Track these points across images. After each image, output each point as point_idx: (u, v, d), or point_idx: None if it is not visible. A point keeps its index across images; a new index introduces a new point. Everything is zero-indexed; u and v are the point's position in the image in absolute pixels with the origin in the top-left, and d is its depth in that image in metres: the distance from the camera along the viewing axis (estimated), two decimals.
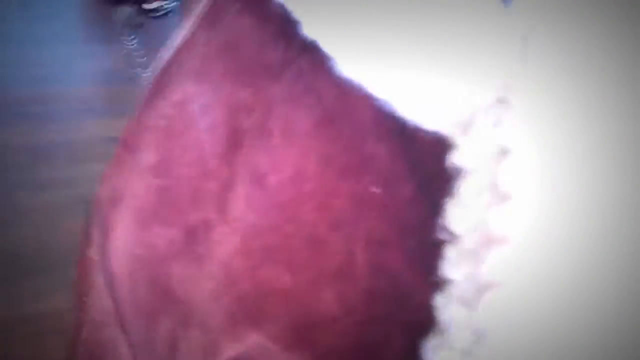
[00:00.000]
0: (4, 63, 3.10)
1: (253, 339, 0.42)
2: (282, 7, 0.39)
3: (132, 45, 0.58)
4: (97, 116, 2.59)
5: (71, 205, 2.12)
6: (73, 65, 3.28)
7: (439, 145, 0.36)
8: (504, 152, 0.32)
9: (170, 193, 0.46)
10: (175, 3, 0.57)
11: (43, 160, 2.46)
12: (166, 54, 0.47)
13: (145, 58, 0.57)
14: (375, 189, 0.41)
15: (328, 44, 0.38)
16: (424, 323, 0.36)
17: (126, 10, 0.56)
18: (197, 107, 0.44)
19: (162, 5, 0.56)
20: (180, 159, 0.45)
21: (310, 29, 0.38)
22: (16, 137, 2.57)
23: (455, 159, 0.35)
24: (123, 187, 0.46)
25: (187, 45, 0.46)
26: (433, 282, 0.36)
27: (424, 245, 0.37)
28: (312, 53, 0.39)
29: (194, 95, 0.45)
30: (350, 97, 0.39)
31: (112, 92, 2.47)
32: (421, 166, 0.38)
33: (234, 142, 0.43)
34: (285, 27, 0.39)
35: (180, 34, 0.46)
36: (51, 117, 2.71)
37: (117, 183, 0.47)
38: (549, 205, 0.31)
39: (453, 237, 0.35)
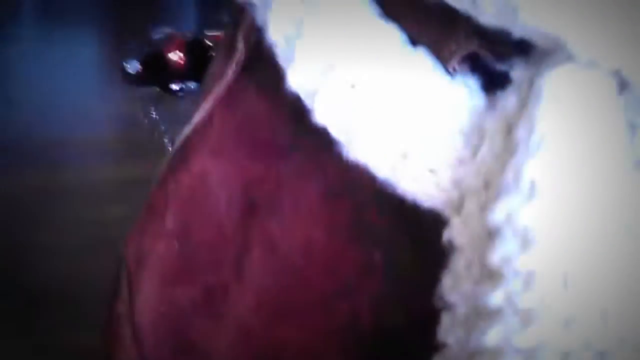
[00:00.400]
0: (23, 106, 3.17)
1: None
2: (295, 94, 0.43)
3: (155, 116, 0.62)
4: (114, 159, 2.64)
5: (90, 246, 2.17)
6: (91, 109, 3.35)
7: (435, 221, 0.40)
8: (490, 234, 0.36)
9: (191, 255, 0.50)
10: (196, 84, 0.61)
11: (62, 202, 2.51)
12: (187, 129, 0.51)
13: (166, 128, 0.61)
14: (377, 256, 0.45)
15: (336, 131, 0.42)
16: None
17: (152, 90, 0.61)
18: (216, 179, 0.49)
19: (184, 86, 0.61)
20: (200, 225, 0.49)
21: (320, 117, 0.42)
22: (35, 179, 2.63)
23: (448, 234, 0.39)
24: (148, 249, 0.51)
25: (206, 123, 0.50)
26: (431, 345, 0.40)
27: (423, 310, 0.41)
28: (321, 135, 0.43)
29: (212, 169, 0.49)
30: (355, 174, 0.43)
31: (130, 136, 2.52)
32: (419, 238, 0.42)
33: (249, 211, 0.48)
34: (297, 111, 0.44)
35: (200, 112, 0.50)
36: (70, 160, 2.76)
37: (142, 244, 0.51)
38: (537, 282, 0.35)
39: (447, 305, 0.38)
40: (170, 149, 0.57)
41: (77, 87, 3.80)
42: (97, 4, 4.61)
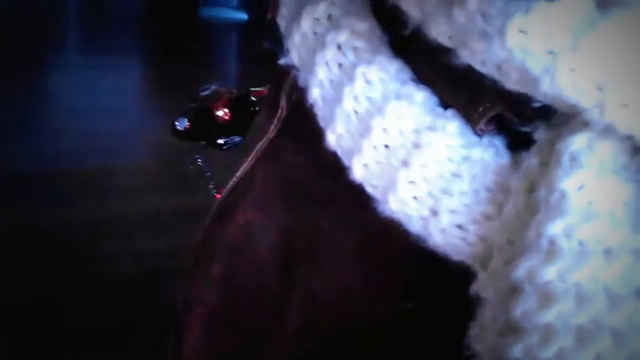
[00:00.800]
0: (70, 136, 3.25)
1: None
2: (333, 152, 0.47)
3: (202, 164, 0.66)
4: (160, 189, 2.69)
5: (138, 277, 2.20)
6: (136, 139, 3.42)
7: (464, 274, 0.43)
8: (513, 289, 0.39)
9: (235, 303, 0.53)
10: (239, 138, 0.64)
11: (106, 233, 2.56)
12: (232, 181, 0.54)
13: (211, 175, 0.65)
14: (410, 305, 0.47)
15: (371, 187, 0.45)
16: None
17: (200, 144, 0.64)
18: (258, 230, 0.52)
19: (230, 140, 0.64)
20: (244, 274, 0.52)
21: (357, 174, 0.45)
22: (83, 210, 2.69)
23: (476, 287, 0.42)
24: (195, 297, 0.54)
25: (250, 176, 0.54)
26: None
27: (452, 356, 0.43)
28: (357, 191, 0.46)
29: (255, 220, 0.52)
30: (388, 228, 0.46)
31: (174, 166, 2.55)
32: (449, 289, 0.45)
33: (289, 261, 0.51)
34: (335, 168, 0.47)
35: (244, 165, 0.54)
36: (116, 189, 2.82)
37: (190, 293, 0.54)
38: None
39: (474, 355, 0.41)
40: (214, 195, 0.60)
41: (120, 116, 3.88)
42: (140, 36, 4.71)
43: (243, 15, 4.89)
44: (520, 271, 0.39)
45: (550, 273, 0.38)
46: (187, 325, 0.53)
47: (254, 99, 0.57)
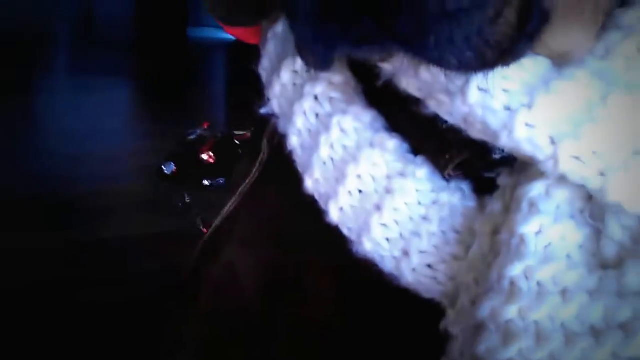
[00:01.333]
0: (58, 159, 3.26)
1: None
2: (311, 195, 0.50)
3: (188, 200, 0.69)
4: (149, 212, 2.70)
5: (127, 300, 2.21)
6: (125, 161, 3.44)
7: (434, 311, 0.46)
8: (478, 327, 0.42)
9: (222, 334, 0.56)
10: (224, 179, 0.67)
11: (98, 256, 2.56)
12: (217, 220, 0.57)
13: (198, 211, 0.68)
14: (387, 341, 0.50)
15: (346, 230, 0.48)
16: None
17: (189, 187, 0.67)
18: (242, 268, 0.55)
19: (214, 182, 0.67)
20: (229, 312, 0.55)
21: (333, 218, 0.48)
22: (71, 232, 2.69)
23: (445, 324, 0.45)
24: (184, 332, 0.57)
25: (234, 216, 0.57)
26: None
27: None
28: (334, 232, 0.49)
29: (239, 259, 0.55)
30: (364, 267, 0.49)
31: (163, 188, 2.56)
32: (420, 325, 0.48)
33: (273, 298, 0.54)
34: (313, 209, 0.50)
35: (228, 206, 0.57)
36: (105, 212, 2.82)
37: (179, 329, 0.57)
38: None
39: None
40: (202, 229, 0.63)
41: (109, 139, 3.91)
42: (129, 58, 4.72)
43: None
44: (484, 310, 0.42)
45: (511, 312, 0.41)
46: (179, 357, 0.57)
47: (237, 142, 0.60)
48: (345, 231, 0.49)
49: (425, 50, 0.36)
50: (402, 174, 0.47)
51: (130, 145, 3.51)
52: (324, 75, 0.49)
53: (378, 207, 0.47)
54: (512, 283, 0.41)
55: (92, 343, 2.13)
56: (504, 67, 0.39)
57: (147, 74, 4.34)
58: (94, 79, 4.44)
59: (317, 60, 0.41)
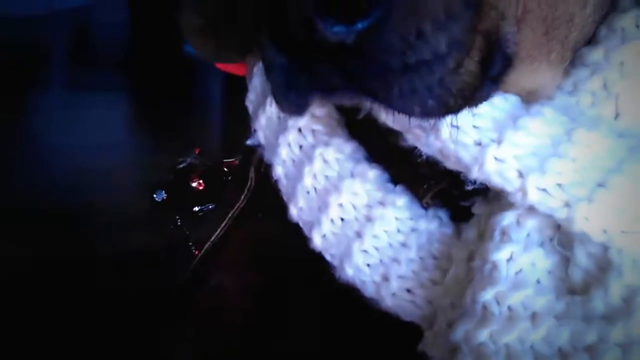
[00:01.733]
0: (53, 174, 3.28)
1: None
2: (295, 222, 0.52)
3: (179, 223, 0.71)
4: (144, 227, 2.71)
5: (122, 315, 2.22)
6: (121, 176, 3.45)
7: (413, 334, 0.48)
8: (454, 349, 0.44)
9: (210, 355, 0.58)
10: (213, 205, 0.70)
11: (92, 272, 2.57)
12: (208, 244, 0.59)
13: (190, 234, 0.70)
14: None
15: (329, 256, 0.51)
16: None
17: (179, 213, 0.70)
18: (229, 292, 0.57)
19: (204, 208, 0.70)
20: (215, 334, 0.57)
21: (316, 245, 0.51)
22: (66, 248, 2.71)
23: (422, 346, 0.47)
24: (174, 351, 0.59)
25: (223, 240, 0.59)
26: None
27: None
28: (318, 258, 0.51)
29: (227, 282, 0.57)
30: (346, 291, 0.51)
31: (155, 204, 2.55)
32: (399, 348, 0.50)
33: (258, 320, 0.56)
34: (298, 235, 0.52)
35: (218, 231, 0.59)
36: (98, 228, 2.84)
37: (170, 346, 0.59)
38: None
39: None
40: (194, 252, 0.65)
41: (105, 154, 3.93)
42: (125, 73, 4.75)
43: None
44: (458, 333, 0.44)
45: (483, 335, 0.43)
46: None
47: (226, 169, 0.62)
48: (328, 257, 0.51)
49: (390, 101, 0.38)
50: (382, 203, 0.49)
51: (127, 160, 3.53)
52: None
53: (359, 235, 0.49)
54: (485, 307, 0.43)
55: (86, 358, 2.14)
56: (471, 109, 0.41)
57: (144, 89, 4.36)
58: (90, 95, 4.46)
59: (291, 106, 0.43)
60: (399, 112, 0.39)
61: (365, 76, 0.38)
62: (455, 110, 0.40)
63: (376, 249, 0.49)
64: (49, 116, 4.08)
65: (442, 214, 0.50)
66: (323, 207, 0.50)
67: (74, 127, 3.89)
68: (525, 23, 0.42)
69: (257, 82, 0.54)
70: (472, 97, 0.40)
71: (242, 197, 0.59)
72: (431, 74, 0.38)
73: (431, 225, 0.49)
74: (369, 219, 0.49)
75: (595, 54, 0.45)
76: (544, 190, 0.42)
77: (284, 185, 0.53)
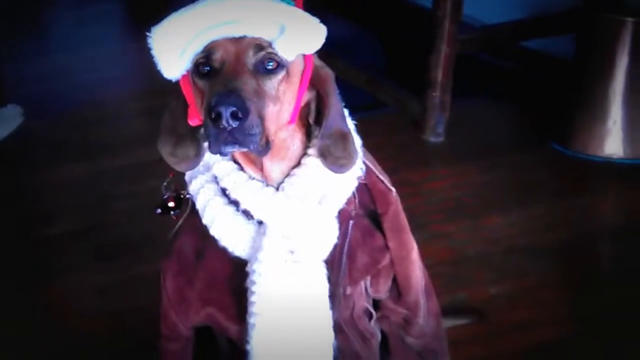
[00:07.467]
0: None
1: None
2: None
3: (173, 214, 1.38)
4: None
5: (137, 211, 2.87)
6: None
7: None
8: None
9: (183, 276, 1.42)
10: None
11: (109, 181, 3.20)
12: (176, 227, 1.42)
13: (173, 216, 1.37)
14: None
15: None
16: None
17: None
18: (186, 246, 1.40)
19: (175, 212, 1.34)
20: (182, 267, 1.41)
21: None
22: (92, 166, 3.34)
23: None
24: (164, 278, 1.43)
25: (182, 226, 1.43)
26: None
27: None
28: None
29: (185, 243, 1.41)
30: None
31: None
32: None
33: (198, 257, 1.40)
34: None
35: (180, 222, 1.43)
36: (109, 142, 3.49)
37: (165, 279, 1.42)
38: None
39: None
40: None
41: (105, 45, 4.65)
42: None
43: None
44: None
45: None
46: (164, 289, 1.42)
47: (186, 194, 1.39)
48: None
49: (246, 147, 1.13)
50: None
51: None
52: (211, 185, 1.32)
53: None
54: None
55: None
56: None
57: None
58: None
59: (215, 151, 1.12)
60: (250, 150, 1.13)
61: (239, 136, 1.13)
62: (264, 152, 1.16)
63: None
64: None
65: None
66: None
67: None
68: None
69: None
70: (266, 149, 1.14)
71: (187, 209, 1.40)
72: (255, 137, 1.11)
73: None
74: None
75: None
76: None
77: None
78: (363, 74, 3.80)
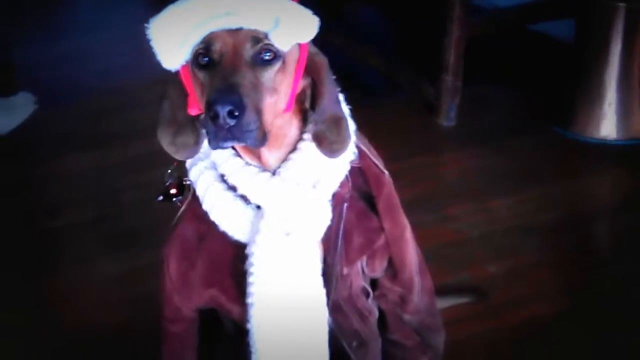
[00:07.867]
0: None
1: None
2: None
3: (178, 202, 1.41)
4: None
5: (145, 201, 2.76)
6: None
7: None
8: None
9: (184, 258, 1.47)
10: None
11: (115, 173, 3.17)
12: (180, 212, 1.48)
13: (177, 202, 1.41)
14: None
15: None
16: None
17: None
18: (188, 232, 1.45)
19: (178, 199, 1.37)
20: (184, 250, 1.46)
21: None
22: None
23: None
24: (167, 261, 1.47)
25: (184, 212, 1.49)
26: None
27: None
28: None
29: (186, 229, 1.46)
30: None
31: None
32: None
33: (200, 240, 1.45)
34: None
35: (183, 207, 1.49)
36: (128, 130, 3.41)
37: (168, 263, 1.47)
38: None
39: None
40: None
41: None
42: None
43: None
44: None
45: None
46: (166, 273, 1.46)
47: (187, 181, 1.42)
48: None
49: (244, 141, 1.14)
50: None
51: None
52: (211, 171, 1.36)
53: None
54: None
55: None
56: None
57: None
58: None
59: (214, 146, 1.14)
60: (247, 144, 1.16)
61: (236, 133, 1.16)
62: (261, 145, 1.17)
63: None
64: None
65: None
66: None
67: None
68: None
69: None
70: (263, 141, 1.16)
71: (189, 196, 1.46)
72: (252, 132, 1.13)
73: None
74: None
75: None
76: None
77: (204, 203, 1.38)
78: (379, 57, 3.82)
